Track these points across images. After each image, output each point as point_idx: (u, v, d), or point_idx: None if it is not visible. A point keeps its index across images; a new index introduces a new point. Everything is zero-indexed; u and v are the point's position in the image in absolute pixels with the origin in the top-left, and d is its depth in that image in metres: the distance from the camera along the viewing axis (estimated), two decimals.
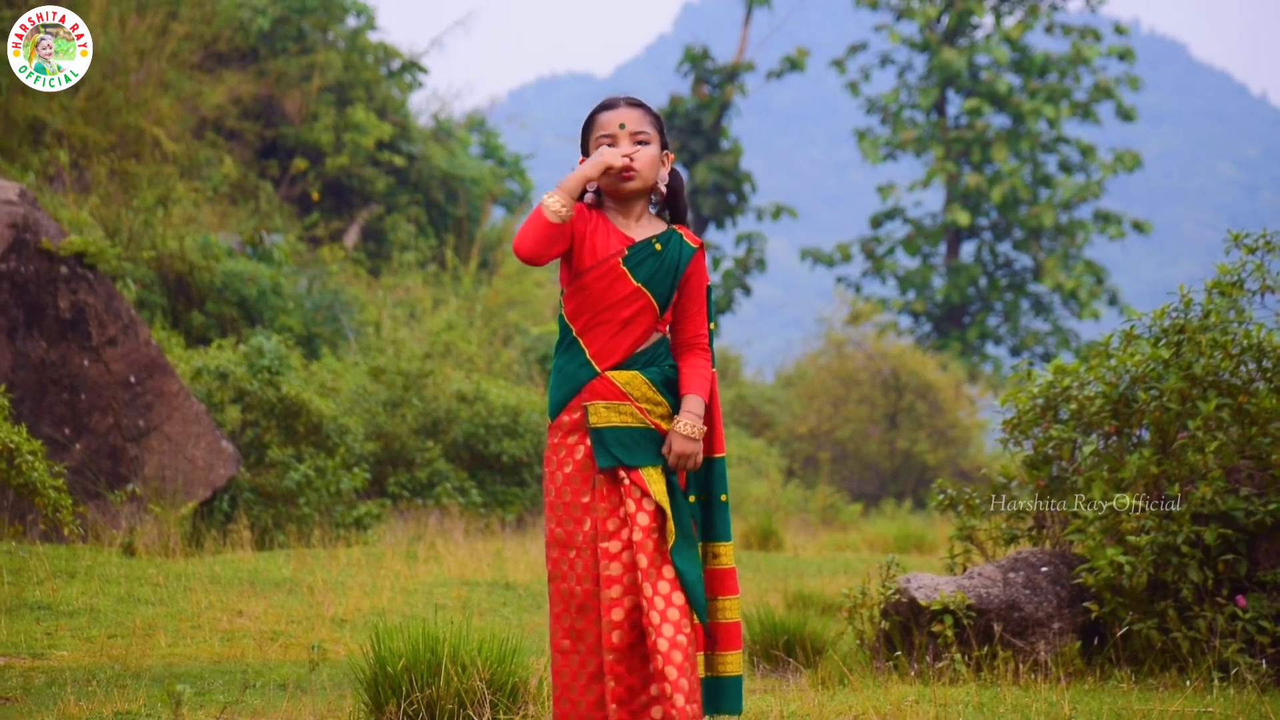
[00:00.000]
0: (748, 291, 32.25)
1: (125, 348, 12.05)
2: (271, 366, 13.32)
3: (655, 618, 4.62)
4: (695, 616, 4.71)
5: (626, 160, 4.75)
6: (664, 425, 4.76)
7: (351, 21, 23.80)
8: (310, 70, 22.29)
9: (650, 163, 4.81)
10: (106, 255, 12.19)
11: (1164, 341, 7.57)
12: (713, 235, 32.21)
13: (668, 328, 4.88)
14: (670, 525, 4.68)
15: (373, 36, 24.04)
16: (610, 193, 4.85)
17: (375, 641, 5.93)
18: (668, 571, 4.66)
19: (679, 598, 4.64)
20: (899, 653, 7.41)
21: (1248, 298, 7.57)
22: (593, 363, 4.75)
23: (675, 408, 4.79)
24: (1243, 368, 7.46)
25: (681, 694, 4.59)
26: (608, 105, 4.88)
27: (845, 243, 34.72)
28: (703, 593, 4.69)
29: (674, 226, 4.91)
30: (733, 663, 4.84)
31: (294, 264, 18.36)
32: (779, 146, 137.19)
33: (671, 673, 4.60)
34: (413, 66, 24.51)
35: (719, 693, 4.82)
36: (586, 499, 4.74)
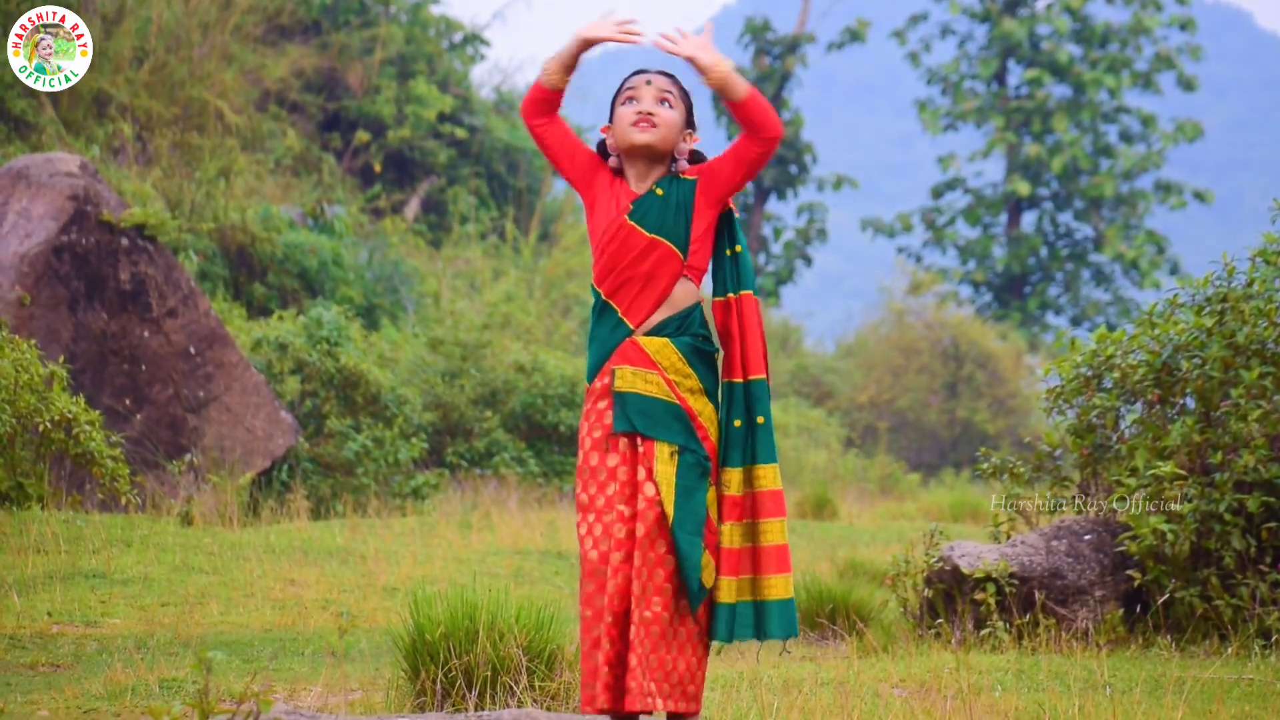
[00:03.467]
0: (809, 262, 32.28)
1: (185, 319, 12.23)
2: (331, 337, 13.49)
3: (637, 588, 4.64)
4: (688, 596, 4.68)
5: (613, 30, 4.80)
6: (690, 400, 4.74)
7: None
8: (372, 43, 22.47)
9: (670, 122, 4.80)
10: (167, 227, 12.37)
11: (1207, 310, 7.55)
12: (774, 206, 32.24)
13: (699, 278, 4.85)
14: (670, 504, 4.66)
15: (435, 9, 24.24)
16: (627, 151, 4.84)
17: (414, 609, 5.98)
18: (660, 546, 4.66)
19: (661, 574, 4.65)
20: (941, 620, 7.45)
21: None
22: (626, 321, 4.76)
23: (705, 380, 4.78)
24: None
25: (642, 669, 4.61)
26: (639, 71, 4.91)
27: (906, 213, 34.68)
28: (699, 577, 4.67)
29: (672, 173, 4.88)
30: (777, 586, 4.76)
31: (355, 235, 18.58)
32: (840, 117, 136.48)
33: (638, 648, 4.62)
34: (475, 39, 24.65)
35: (764, 617, 4.76)
36: (612, 463, 4.75)
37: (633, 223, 4.78)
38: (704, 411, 4.77)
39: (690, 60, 4.76)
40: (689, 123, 4.89)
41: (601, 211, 4.84)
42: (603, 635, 4.67)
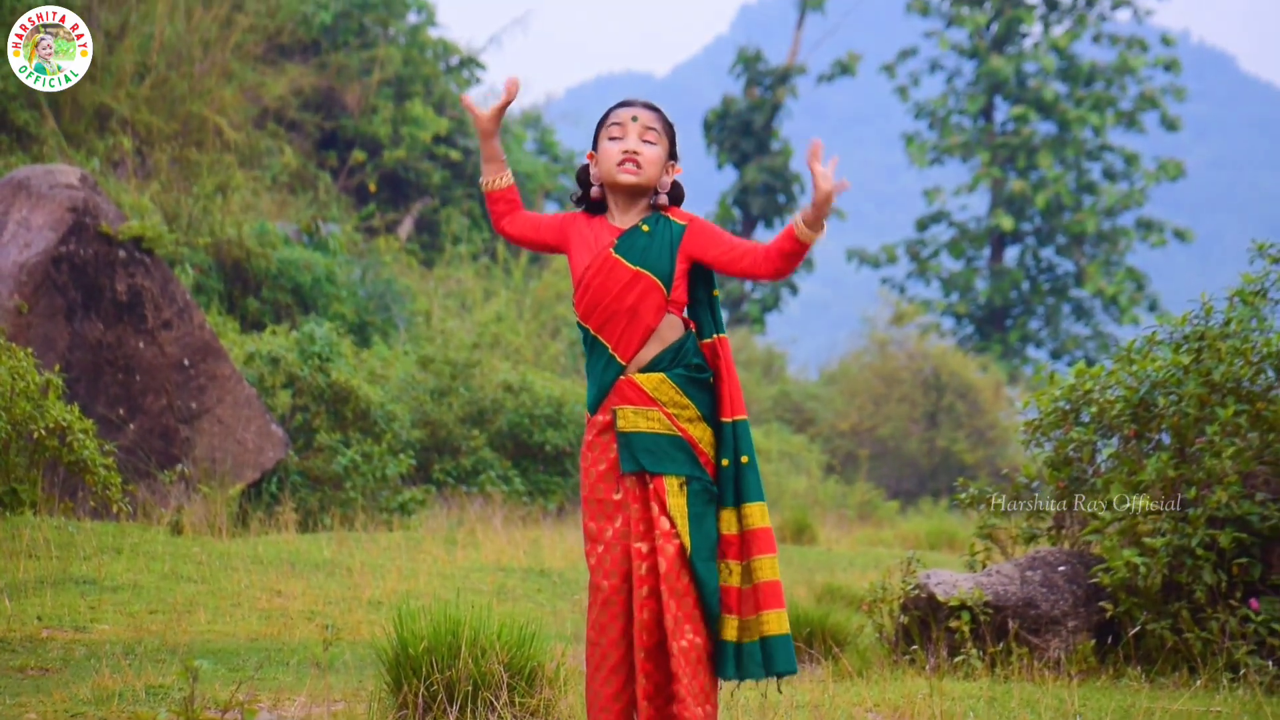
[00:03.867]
0: (794, 290, 32.55)
1: (180, 331, 12.33)
2: (322, 353, 13.60)
3: (670, 621, 4.74)
4: (707, 620, 4.79)
5: (494, 104, 4.87)
6: (691, 429, 4.82)
7: (412, 18, 24.18)
8: (370, 64, 22.63)
9: (654, 160, 4.86)
10: (164, 240, 12.48)
11: (1185, 348, 7.68)
12: (761, 234, 32.44)
13: (691, 319, 4.92)
14: (685, 536, 4.75)
15: (432, 33, 24.41)
16: (611, 186, 4.90)
17: (398, 623, 6.04)
18: (685, 577, 4.75)
19: (689, 603, 4.75)
20: (916, 646, 7.54)
21: (1270, 306, 7.66)
22: (616, 357, 4.84)
23: (702, 407, 4.85)
24: (1262, 375, 7.54)
25: (691, 697, 4.71)
26: (622, 103, 4.96)
27: (891, 244, 34.98)
28: (717, 602, 4.77)
29: (658, 209, 4.95)
30: (773, 621, 4.83)
31: (349, 253, 18.70)
32: (829, 148, 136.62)
33: (683, 678, 4.72)
34: (471, 63, 24.85)
35: (769, 653, 4.82)
36: (618, 496, 4.83)
37: (618, 255, 4.84)
38: (703, 438, 4.86)
39: (822, 193, 4.92)
40: (671, 154, 4.95)
41: (582, 249, 4.90)
42: (639, 671, 4.77)
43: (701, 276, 4.95)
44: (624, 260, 4.84)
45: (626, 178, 4.87)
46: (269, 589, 8.89)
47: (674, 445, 4.80)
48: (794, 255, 4.91)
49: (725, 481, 4.85)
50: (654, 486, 4.78)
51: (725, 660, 4.79)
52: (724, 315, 5.09)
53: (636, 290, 4.83)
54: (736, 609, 4.81)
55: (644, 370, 4.83)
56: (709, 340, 4.91)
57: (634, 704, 4.83)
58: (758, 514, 4.87)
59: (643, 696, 4.77)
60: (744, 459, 4.88)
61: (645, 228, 4.88)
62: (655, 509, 4.77)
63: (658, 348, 4.84)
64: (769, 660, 4.81)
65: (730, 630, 4.79)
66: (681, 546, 4.75)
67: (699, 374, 4.86)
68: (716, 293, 4.97)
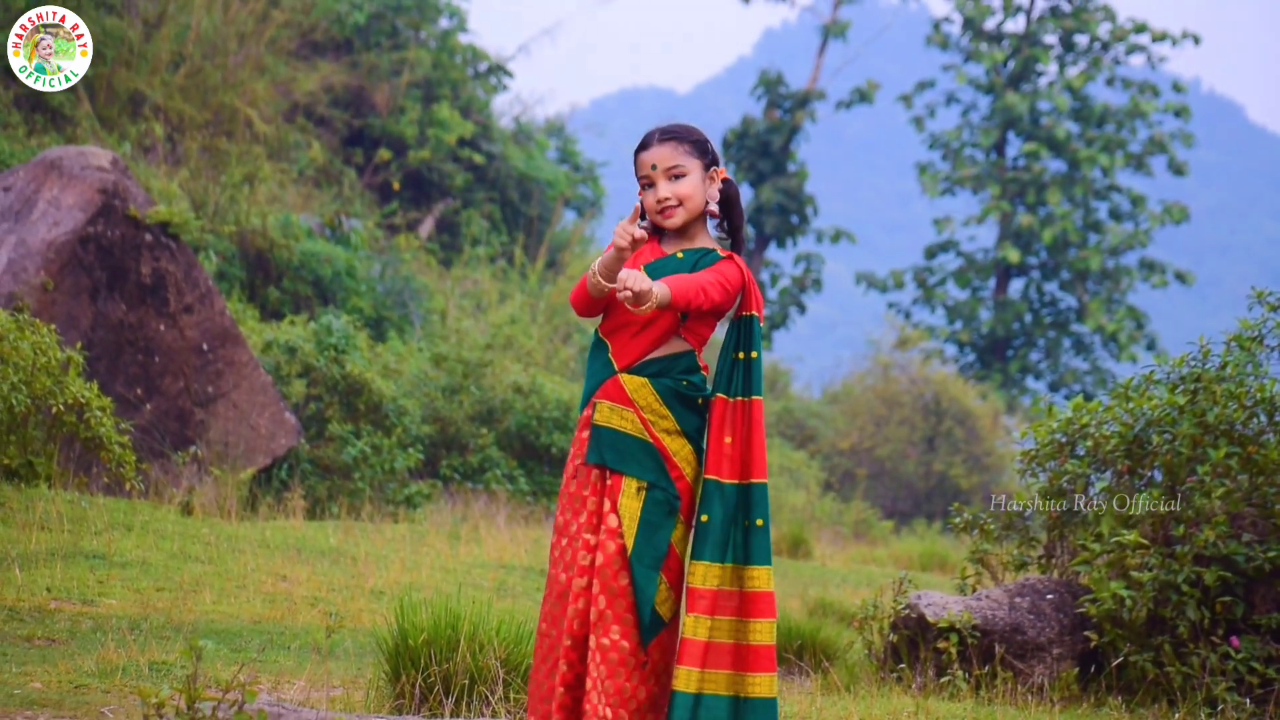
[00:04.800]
0: (802, 309, 32.78)
1: (200, 316, 12.48)
2: (338, 345, 13.74)
3: (594, 615, 4.75)
4: (640, 628, 4.75)
5: (630, 235, 4.76)
6: (665, 440, 4.81)
7: (444, 22, 24.36)
8: (400, 66, 22.81)
9: (689, 194, 4.86)
10: (190, 226, 12.63)
11: (1181, 388, 7.80)
12: (773, 254, 32.64)
13: (698, 343, 4.91)
14: (629, 537, 4.75)
15: (463, 38, 24.60)
16: (659, 226, 4.93)
17: (400, 614, 6.12)
18: (623, 577, 4.75)
19: (622, 604, 4.74)
20: (904, 665, 7.66)
21: (1266, 353, 7.79)
22: (613, 361, 4.88)
23: (684, 423, 4.84)
24: (1255, 419, 7.66)
25: (602, 695, 4.72)
26: (641, 145, 4.94)
27: (899, 270, 35.18)
28: (650, 610, 4.74)
29: (719, 250, 4.92)
30: (760, 684, 4.76)
31: (369, 249, 18.85)
32: (844, 173, 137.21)
33: (596, 675, 4.73)
34: (499, 70, 25.03)
35: (746, 713, 4.76)
36: (586, 492, 4.86)
37: (645, 275, 4.80)
38: (680, 452, 4.83)
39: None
40: (709, 164, 4.92)
41: (628, 266, 4.88)
42: (561, 658, 4.78)
43: (742, 335, 4.89)
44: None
45: (671, 222, 4.90)
46: (274, 573, 8.95)
47: (642, 449, 4.80)
48: (684, 308, 4.78)
49: (719, 540, 4.77)
50: (611, 483, 4.80)
51: (676, 709, 4.70)
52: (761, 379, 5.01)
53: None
54: (698, 661, 4.72)
55: (630, 373, 4.86)
56: (734, 399, 4.84)
57: (578, 699, 4.81)
58: (763, 578, 4.81)
59: (560, 683, 4.77)
60: (759, 522, 4.81)
61: (681, 255, 4.91)
62: (607, 505, 4.79)
63: (652, 356, 4.87)
64: (743, 718, 4.75)
65: (685, 682, 4.70)
66: (623, 547, 4.74)
67: (687, 389, 4.85)
68: (755, 354, 4.88)
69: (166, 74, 18.29)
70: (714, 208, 4.94)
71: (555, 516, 4.97)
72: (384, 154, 22.43)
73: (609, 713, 4.72)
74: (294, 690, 6.26)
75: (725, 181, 4.96)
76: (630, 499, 4.79)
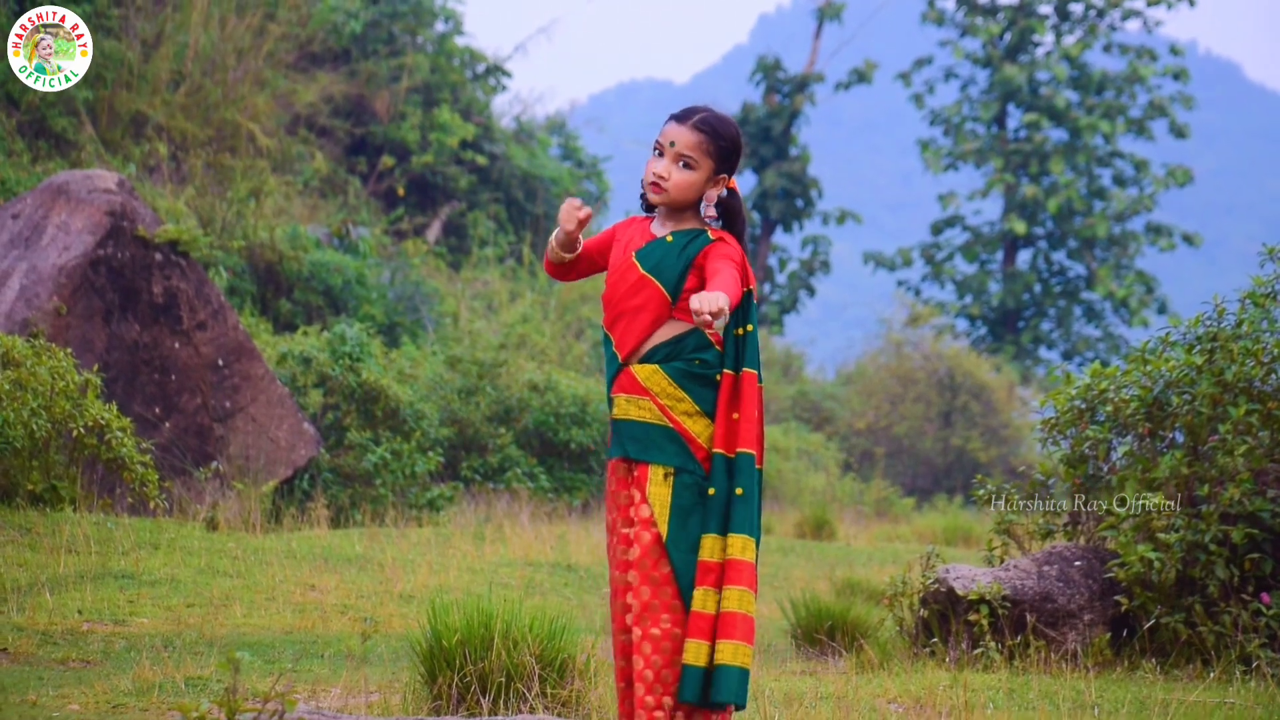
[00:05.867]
0: (812, 292, 32.80)
1: (214, 332, 12.52)
2: (353, 353, 13.78)
3: (637, 606, 4.76)
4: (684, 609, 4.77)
5: (576, 218, 4.90)
6: (686, 422, 4.80)
7: (440, 26, 24.41)
8: (399, 72, 22.86)
9: (683, 184, 4.82)
10: (199, 243, 12.67)
11: (1198, 348, 7.80)
12: (780, 238, 32.70)
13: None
14: (663, 524, 4.75)
15: (459, 41, 24.66)
16: (652, 201, 4.94)
17: (432, 617, 6.12)
18: (664, 566, 4.75)
19: (669, 592, 4.74)
20: (936, 640, 7.66)
21: None
22: (618, 353, 4.89)
23: (702, 402, 4.81)
24: (1273, 375, 7.66)
25: (643, 684, 4.72)
26: (676, 116, 4.92)
27: (907, 248, 35.24)
28: (689, 595, 4.73)
29: (709, 230, 4.92)
30: (724, 651, 4.70)
31: (378, 256, 18.91)
32: (846, 154, 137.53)
33: (638, 662, 4.74)
34: (497, 70, 25.08)
35: (716, 680, 4.72)
36: (617, 487, 4.89)
37: (635, 260, 4.87)
38: (703, 433, 4.79)
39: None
40: (721, 169, 4.87)
41: (618, 251, 4.95)
42: (617, 653, 4.82)
43: (740, 311, 4.84)
44: (639, 265, 4.86)
45: (652, 197, 4.92)
46: (303, 583, 8.98)
47: (664, 436, 4.79)
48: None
49: (712, 510, 4.78)
50: (638, 474, 4.80)
51: (690, 685, 4.70)
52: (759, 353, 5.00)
53: (642, 294, 4.84)
54: (709, 636, 4.71)
55: (640, 362, 4.85)
56: (729, 373, 4.81)
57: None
58: (735, 546, 4.74)
59: (620, 679, 4.80)
60: (738, 490, 4.76)
61: (670, 239, 4.89)
62: (637, 495, 4.79)
63: (655, 342, 4.84)
64: (715, 684, 4.70)
65: (699, 656, 4.70)
66: (658, 535, 4.74)
67: (699, 368, 4.81)
68: (750, 328, 4.86)
69: (167, 93, 18.35)
70: (711, 210, 4.91)
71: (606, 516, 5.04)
72: (387, 161, 22.48)
73: (669, 701, 4.73)
74: (331, 698, 6.27)
75: (730, 192, 4.93)
76: (658, 486, 4.78)
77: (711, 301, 4.51)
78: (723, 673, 4.69)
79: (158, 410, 12.05)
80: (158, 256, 12.26)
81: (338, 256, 17.44)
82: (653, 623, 4.72)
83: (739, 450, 4.79)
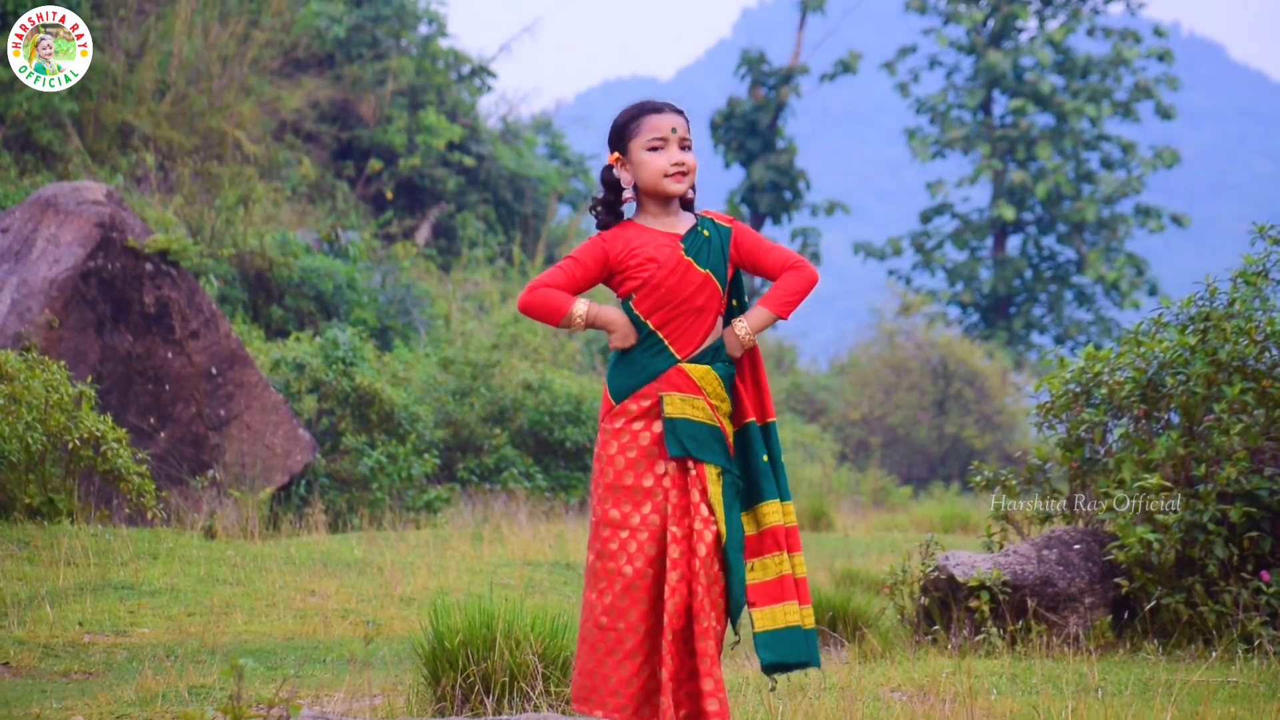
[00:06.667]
0: None
1: (207, 340, 12.52)
2: (346, 358, 13.78)
3: (698, 606, 4.81)
4: (732, 609, 4.89)
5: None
6: (727, 424, 4.92)
7: (423, 29, 24.43)
8: (384, 75, 22.86)
9: (695, 165, 4.96)
10: (189, 252, 12.67)
11: (1191, 329, 7.82)
12: (769, 231, 32.73)
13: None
14: (723, 524, 4.85)
15: (443, 43, 24.68)
16: (654, 195, 4.96)
17: (434, 618, 6.14)
18: (716, 564, 4.85)
19: (716, 590, 4.84)
20: (937, 627, 7.68)
21: (1272, 286, 7.82)
22: (673, 351, 4.90)
23: (733, 404, 4.95)
24: (1267, 353, 7.69)
25: (711, 679, 4.79)
26: (653, 108, 4.98)
27: (896, 237, 35.32)
28: (743, 593, 4.87)
29: (699, 213, 5.03)
30: (761, 618, 4.92)
31: (368, 260, 18.92)
32: (833, 145, 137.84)
33: (705, 663, 4.79)
34: (482, 71, 25.10)
35: (759, 644, 4.92)
36: (649, 483, 4.88)
37: (689, 258, 4.92)
38: (730, 433, 4.95)
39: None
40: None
41: (644, 256, 4.94)
42: (666, 653, 4.79)
43: (734, 288, 5.04)
44: (695, 263, 4.92)
45: (677, 187, 4.95)
46: (303, 589, 8.98)
47: (714, 436, 4.89)
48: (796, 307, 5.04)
49: (769, 477, 4.97)
50: (697, 473, 4.86)
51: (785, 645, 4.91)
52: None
53: (706, 292, 4.91)
54: (778, 599, 4.93)
55: (692, 360, 4.92)
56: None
57: (648, 688, 4.86)
58: (772, 513, 4.97)
59: (669, 678, 4.80)
60: (764, 458, 4.98)
61: (705, 232, 4.97)
62: (696, 495, 4.84)
63: (709, 343, 4.95)
64: (760, 648, 4.94)
65: (770, 620, 4.92)
66: (719, 534, 4.84)
67: (733, 370, 4.97)
68: (749, 299, 5.09)
69: (153, 103, 18.36)
70: (691, 191, 5.04)
71: (606, 511, 4.94)
72: (375, 164, 22.49)
73: (724, 694, 4.81)
74: (335, 702, 6.26)
75: None
76: (714, 485, 4.88)
77: (759, 323, 4.93)
78: (789, 634, 4.95)
79: (152, 420, 12.05)
80: (148, 266, 12.26)
81: (328, 261, 17.44)
82: (710, 621, 4.82)
83: (771, 419, 5.03)
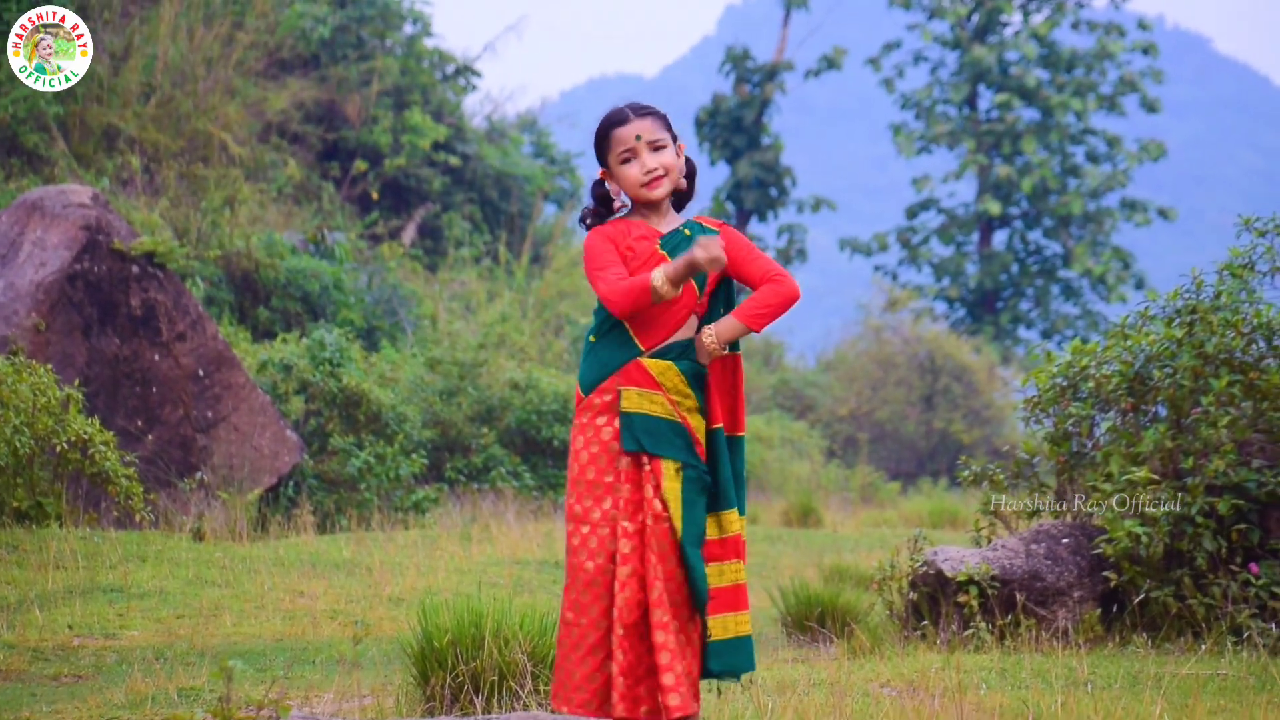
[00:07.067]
0: None
1: (194, 343, 12.51)
2: (333, 359, 13.77)
3: (653, 603, 4.80)
4: (696, 604, 4.87)
5: (722, 259, 4.78)
6: (690, 419, 4.89)
7: (408, 29, 24.43)
8: (369, 75, 22.85)
9: (671, 164, 4.95)
10: (175, 255, 12.66)
11: (1177, 321, 7.84)
12: (755, 228, 32.83)
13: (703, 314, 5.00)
14: (677, 520, 4.83)
15: (428, 42, 24.68)
16: (639, 201, 4.99)
17: (423, 618, 6.14)
18: (673, 560, 4.83)
19: (673, 586, 4.83)
20: (926, 622, 7.69)
21: (1258, 278, 7.83)
22: (636, 342, 4.90)
23: (700, 400, 4.92)
24: (1253, 346, 7.70)
25: (670, 674, 4.78)
26: (617, 120, 4.97)
27: (882, 233, 35.41)
28: (705, 589, 4.85)
29: (692, 219, 5.03)
30: (714, 626, 4.91)
31: (354, 261, 18.91)
32: (818, 142, 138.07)
33: (663, 657, 4.79)
34: (467, 70, 25.10)
35: (736, 650, 4.93)
36: (609, 479, 4.89)
37: (664, 252, 4.93)
38: (700, 428, 4.93)
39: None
40: (674, 138, 5.01)
41: (626, 243, 4.96)
42: (616, 647, 4.80)
43: (722, 291, 5.03)
44: (667, 258, 4.91)
45: (658, 192, 4.96)
46: (292, 590, 8.98)
47: (673, 431, 4.87)
48: (770, 322, 5.00)
49: (736, 489, 4.97)
50: (651, 468, 4.85)
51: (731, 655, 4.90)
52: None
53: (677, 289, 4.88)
54: (732, 608, 4.93)
55: (654, 356, 4.91)
56: (727, 354, 5.01)
57: (609, 684, 4.86)
58: (727, 523, 4.98)
59: (619, 673, 4.80)
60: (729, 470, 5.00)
61: (687, 232, 4.97)
62: (649, 491, 4.83)
63: (676, 338, 4.93)
64: (717, 658, 4.93)
65: (724, 629, 4.91)
66: (672, 529, 4.82)
67: (702, 369, 4.94)
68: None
69: (138, 106, 18.34)
70: (683, 180, 5.02)
71: (570, 505, 4.97)
72: (360, 165, 22.48)
73: (686, 689, 4.80)
74: (324, 703, 6.27)
75: (686, 161, 5.06)
76: (671, 481, 4.86)
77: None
78: (740, 644, 4.94)
79: (140, 423, 12.04)
80: (134, 269, 12.25)
81: (314, 262, 17.43)
82: (668, 617, 4.80)
83: (740, 434, 5.01)
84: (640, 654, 4.85)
